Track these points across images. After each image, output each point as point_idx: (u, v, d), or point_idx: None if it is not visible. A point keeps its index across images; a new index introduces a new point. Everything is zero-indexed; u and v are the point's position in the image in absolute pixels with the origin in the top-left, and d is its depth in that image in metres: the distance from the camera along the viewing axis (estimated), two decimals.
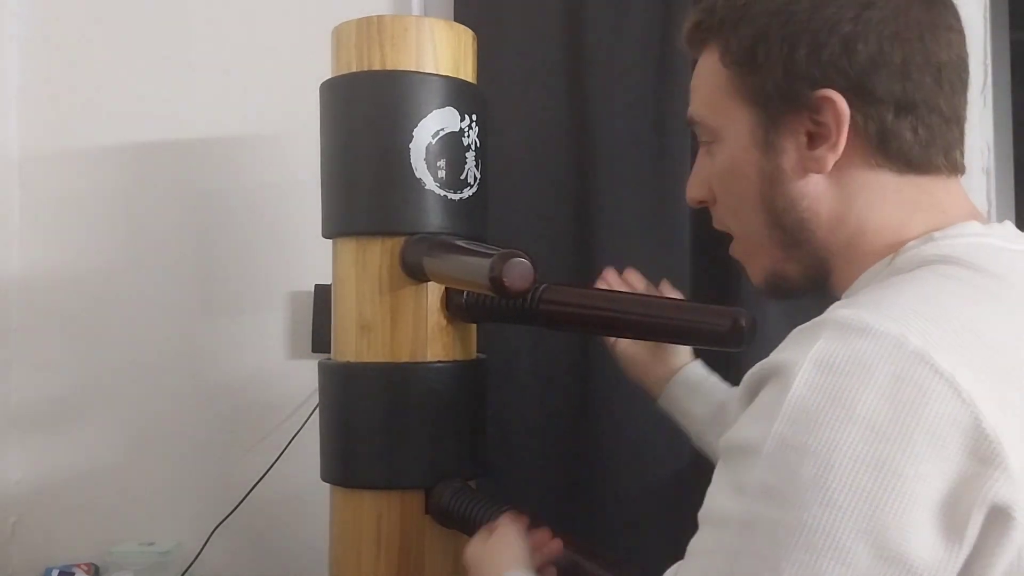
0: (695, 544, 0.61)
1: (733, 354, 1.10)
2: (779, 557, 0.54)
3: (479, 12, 1.54)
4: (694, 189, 0.78)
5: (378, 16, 1.18)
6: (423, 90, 1.16)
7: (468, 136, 1.19)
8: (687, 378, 1.13)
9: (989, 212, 1.42)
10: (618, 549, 1.39)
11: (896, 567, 0.52)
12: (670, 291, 1.17)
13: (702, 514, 0.61)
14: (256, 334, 1.69)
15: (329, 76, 1.23)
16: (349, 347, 1.19)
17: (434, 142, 1.16)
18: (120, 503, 1.71)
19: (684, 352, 1.16)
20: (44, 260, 1.74)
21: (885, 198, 0.68)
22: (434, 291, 1.18)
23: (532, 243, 1.42)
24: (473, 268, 1.01)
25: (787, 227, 0.71)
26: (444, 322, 1.19)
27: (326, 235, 1.24)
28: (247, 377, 1.69)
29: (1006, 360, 0.56)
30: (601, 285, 1.16)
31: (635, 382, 1.18)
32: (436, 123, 1.16)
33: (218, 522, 1.61)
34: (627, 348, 1.17)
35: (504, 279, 0.95)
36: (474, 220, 1.21)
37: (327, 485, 1.23)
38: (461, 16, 1.55)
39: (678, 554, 0.62)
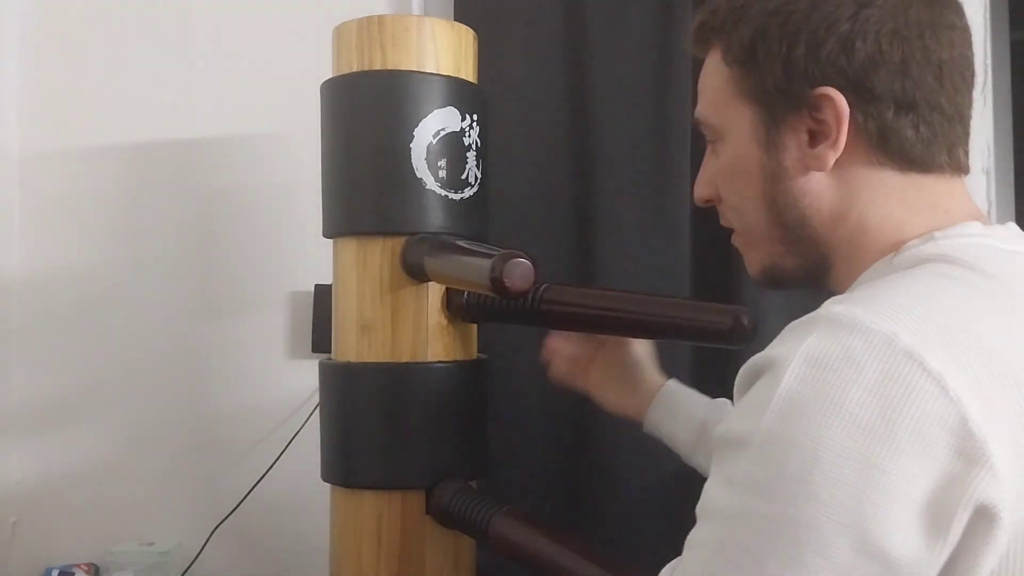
0: (690, 537, 0.61)
1: (732, 352, 1.10)
2: (764, 550, 0.55)
3: (479, 12, 1.54)
4: (701, 188, 0.79)
5: (379, 16, 1.18)
6: (424, 90, 1.16)
7: (469, 136, 1.19)
8: (664, 401, 1.10)
9: (989, 212, 1.42)
10: (618, 549, 1.39)
11: (877, 562, 0.53)
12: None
13: (698, 508, 0.62)
14: (256, 334, 1.69)
15: (330, 76, 1.23)
16: (350, 347, 1.19)
17: (435, 142, 1.16)
18: (120, 503, 1.70)
19: (650, 373, 1.13)
20: (44, 260, 1.74)
21: (887, 196, 0.68)
22: (435, 291, 1.18)
23: (532, 243, 1.42)
24: (474, 268, 1.01)
25: (789, 224, 0.71)
26: (445, 322, 1.19)
27: (327, 235, 1.24)
28: (247, 377, 1.69)
29: (998, 360, 0.56)
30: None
31: (617, 415, 1.15)
32: (437, 123, 1.16)
33: (218, 522, 1.61)
34: (596, 386, 1.16)
35: (505, 279, 0.95)
36: (475, 220, 1.21)
37: (327, 485, 1.23)
38: (461, 16, 1.55)
39: (678, 554, 0.63)
